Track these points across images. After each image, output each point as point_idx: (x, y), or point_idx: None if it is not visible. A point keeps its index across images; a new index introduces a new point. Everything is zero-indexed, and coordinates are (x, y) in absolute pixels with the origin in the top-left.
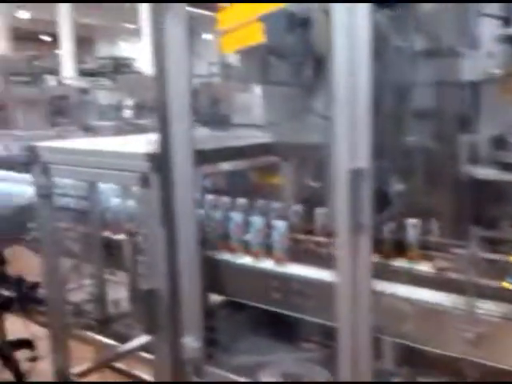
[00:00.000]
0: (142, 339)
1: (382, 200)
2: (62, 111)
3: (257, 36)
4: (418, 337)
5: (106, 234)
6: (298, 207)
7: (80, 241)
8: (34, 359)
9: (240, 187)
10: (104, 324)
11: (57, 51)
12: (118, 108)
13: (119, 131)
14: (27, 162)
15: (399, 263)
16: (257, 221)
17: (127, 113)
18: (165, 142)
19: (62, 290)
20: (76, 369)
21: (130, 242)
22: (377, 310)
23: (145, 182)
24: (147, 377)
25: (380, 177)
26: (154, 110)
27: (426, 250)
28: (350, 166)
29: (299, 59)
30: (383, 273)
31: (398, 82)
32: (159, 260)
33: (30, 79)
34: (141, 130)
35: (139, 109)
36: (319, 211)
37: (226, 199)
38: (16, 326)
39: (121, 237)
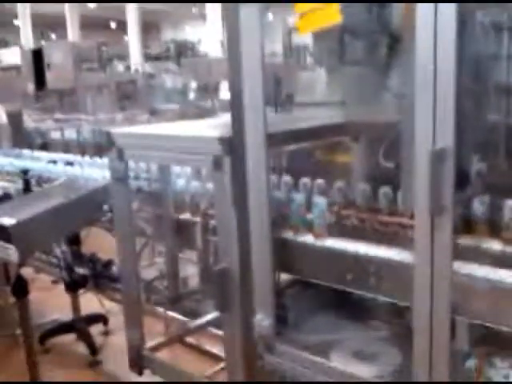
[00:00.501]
0: (212, 315)
1: (462, 179)
2: (129, 95)
3: (334, 16)
4: (494, 316)
5: (178, 214)
6: (366, 187)
7: (152, 221)
8: (106, 333)
9: (303, 166)
10: (175, 300)
11: (124, 37)
12: (183, 91)
13: (184, 114)
14: (102, 146)
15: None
16: (320, 201)
17: (191, 96)
18: (237, 125)
19: (136, 268)
20: (148, 343)
21: (201, 223)
22: (454, 289)
23: (217, 164)
24: (216, 351)
25: (460, 155)
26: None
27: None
28: (432, 147)
29: (374, 38)
30: (465, 253)
31: (480, 57)
32: (231, 240)
33: (99, 65)
34: (205, 112)
35: (203, 91)
36: (386, 191)
37: (288, 179)
38: (90, 302)
39: (192, 217)
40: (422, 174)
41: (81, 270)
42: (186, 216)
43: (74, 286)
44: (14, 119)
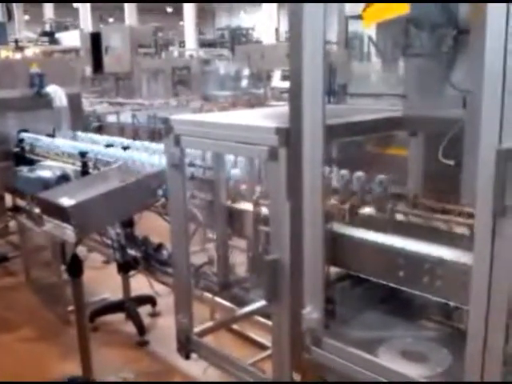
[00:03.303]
0: (259, 304)
1: None
2: (183, 81)
3: (402, 7)
4: None
5: (230, 202)
6: (421, 182)
7: (204, 208)
8: (155, 315)
9: (356, 158)
10: (224, 287)
11: (179, 23)
12: (236, 78)
13: (236, 101)
14: (156, 131)
15: None
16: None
17: (244, 83)
18: (296, 116)
19: (187, 254)
20: (196, 328)
21: (253, 212)
22: None
23: (273, 155)
24: (261, 339)
25: None
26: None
27: None
28: (498, 146)
29: (440, 30)
30: None
31: None
32: (284, 231)
33: (155, 50)
34: (257, 99)
35: (256, 79)
36: (444, 188)
37: (343, 171)
38: (140, 284)
39: (244, 206)
40: (486, 173)
41: (133, 252)
42: (238, 204)
43: (125, 267)
44: (74, 102)
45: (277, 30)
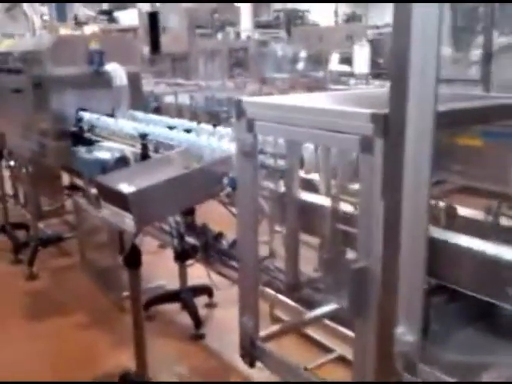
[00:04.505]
0: (330, 307)
1: None
2: (240, 62)
3: None
4: None
5: (303, 195)
6: None
7: (274, 199)
8: (211, 306)
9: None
10: (292, 288)
11: (234, 4)
12: (294, 60)
13: (294, 84)
14: (213, 113)
15: None
16: None
17: (301, 65)
18: (398, 99)
19: (256, 250)
20: (262, 332)
21: (331, 207)
22: None
23: (367, 147)
24: (332, 345)
25: None
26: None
27: None
28: None
29: None
30: None
31: None
32: (375, 235)
33: (212, 31)
34: (315, 83)
35: (313, 61)
36: None
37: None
38: (196, 273)
39: (318, 199)
40: None
41: (191, 240)
42: (312, 198)
43: (183, 255)
44: (134, 81)
45: (336, 13)
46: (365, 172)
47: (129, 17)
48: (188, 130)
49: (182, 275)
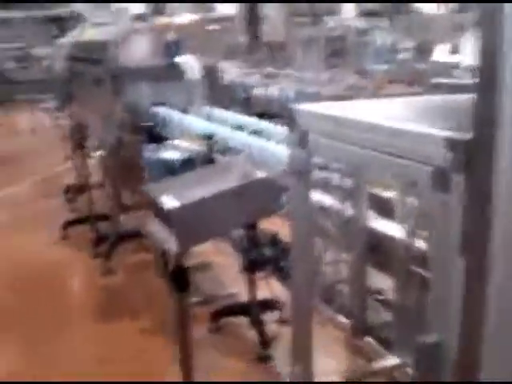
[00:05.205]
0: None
1: None
2: (338, 53)
3: None
4: None
5: (374, 222)
6: None
7: (339, 222)
8: (281, 322)
9: None
10: (361, 331)
11: None
12: (395, 50)
13: (395, 76)
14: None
15: None
16: None
17: (403, 56)
18: (487, 120)
19: (311, 274)
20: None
21: (405, 244)
22: None
23: (440, 182)
24: None
25: None
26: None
27: None
28: None
29: None
30: None
31: None
32: (452, 301)
33: (311, 19)
34: (417, 76)
35: (416, 52)
36: None
37: None
38: (267, 286)
39: (393, 231)
40: None
41: (261, 251)
42: (384, 226)
43: (250, 267)
44: (210, 74)
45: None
46: (437, 217)
47: (226, 5)
48: (256, 132)
49: (251, 288)
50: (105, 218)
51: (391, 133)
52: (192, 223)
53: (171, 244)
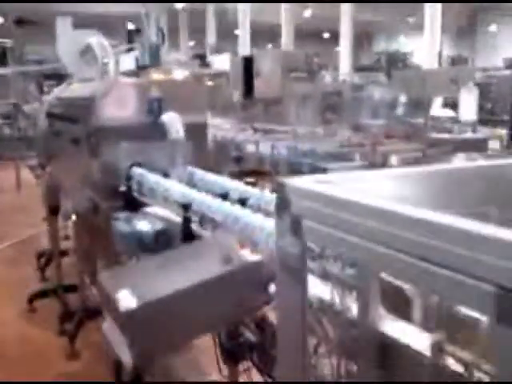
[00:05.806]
0: None
1: None
2: (333, 107)
3: None
4: None
5: (385, 324)
6: None
7: (342, 325)
8: None
9: None
10: None
11: (335, 48)
12: (391, 105)
13: (390, 132)
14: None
15: None
16: None
17: (400, 111)
18: None
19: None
20: None
21: (431, 361)
22: None
23: (507, 317)
24: None
25: None
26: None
27: None
28: None
29: None
30: None
31: None
32: None
33: (307, 75)
34: (415, 131)
35: (413, 107)
36: None
37: None
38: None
39: (413, 341)
40: None
41: (241, 338)
42: (400, 332)
43: (231, 357)
44: (198, 133)
45: (440, 54)
46: (503, 359)
47: (221, 61)
48: (242, 201)
49: (232, 378)
50: (74, 289)
51: (420, 224)
52: (153, 329)
53: (124, 355)
